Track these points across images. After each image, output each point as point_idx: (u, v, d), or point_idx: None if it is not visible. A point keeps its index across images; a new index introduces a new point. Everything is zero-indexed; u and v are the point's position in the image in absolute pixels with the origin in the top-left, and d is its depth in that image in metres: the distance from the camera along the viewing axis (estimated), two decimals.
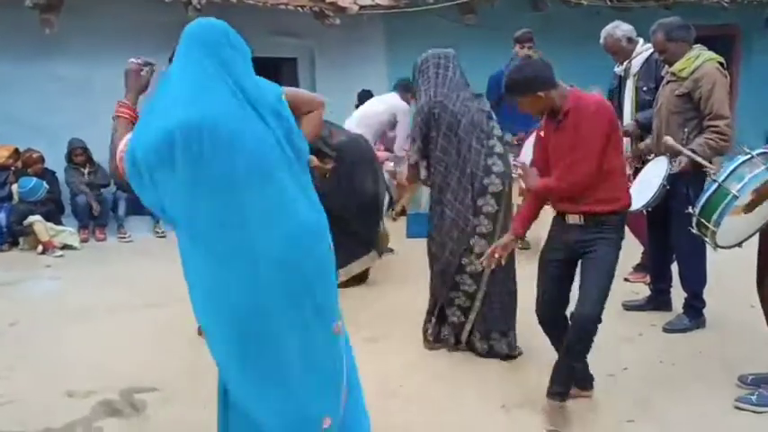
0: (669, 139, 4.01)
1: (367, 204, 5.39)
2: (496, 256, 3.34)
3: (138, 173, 2.22)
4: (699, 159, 3.78)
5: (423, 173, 3.98)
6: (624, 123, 4.98)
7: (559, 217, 3.28)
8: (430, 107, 3.89)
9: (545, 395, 3.25)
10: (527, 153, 6.05)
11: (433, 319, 4.14)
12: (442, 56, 4.06)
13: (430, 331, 4.16)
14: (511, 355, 3.97)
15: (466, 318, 3.98)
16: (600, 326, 3.12)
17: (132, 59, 2.58)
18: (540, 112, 3.21)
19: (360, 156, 5.43)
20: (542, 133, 3.28)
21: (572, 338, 3.15)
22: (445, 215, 3.91)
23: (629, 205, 3.24)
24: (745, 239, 3.37)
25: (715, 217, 3.22)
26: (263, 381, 2.30)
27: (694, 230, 3.39)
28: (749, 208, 3.19)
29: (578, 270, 3.24)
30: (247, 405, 2.35)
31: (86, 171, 7.26)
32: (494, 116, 4.02)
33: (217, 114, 2.19)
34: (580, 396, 3.43)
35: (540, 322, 3.37)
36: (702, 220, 3.30)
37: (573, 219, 3.18)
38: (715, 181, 3.23)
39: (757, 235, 3.37)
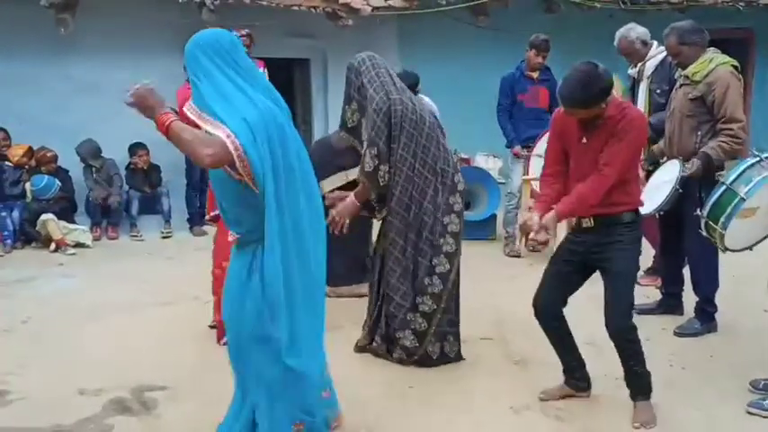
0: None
1: None
2: (540, 237, 3.11)
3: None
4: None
5: (382, 180, 3.68)
6: None
7: (574, 224, 3.23)
8: (389, 105, 3.64)
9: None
10: (536, 166, 6.04)
11: (370, 330, 3.99)
12: (376, 57, 3.87)
13: (375, 344, 3.95)
14: (461, 357, 3.94)
15: (429, 324, 3.77)
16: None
17: (134, 85, 2.46)
18: (588, 119, 3.04)
19: None
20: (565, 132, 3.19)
21: (618, 350, 3.19)
22: (411, 215, 3.70)
23: (641, 204, 3.22)
24: (756, 243, 3.35)
25: (722, 219, 3.21)
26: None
27: (703, 232, 3.38)
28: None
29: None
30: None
31: (94, 170, 7.30)
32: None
33: (271, 111, 2.48)
34: (575, 396, 3.45)
35: (535, 314, 3.36)
36: (710, 221, 3.29)
37: (586, 222, 3.16)
38: (723, 183, 3.22)
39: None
